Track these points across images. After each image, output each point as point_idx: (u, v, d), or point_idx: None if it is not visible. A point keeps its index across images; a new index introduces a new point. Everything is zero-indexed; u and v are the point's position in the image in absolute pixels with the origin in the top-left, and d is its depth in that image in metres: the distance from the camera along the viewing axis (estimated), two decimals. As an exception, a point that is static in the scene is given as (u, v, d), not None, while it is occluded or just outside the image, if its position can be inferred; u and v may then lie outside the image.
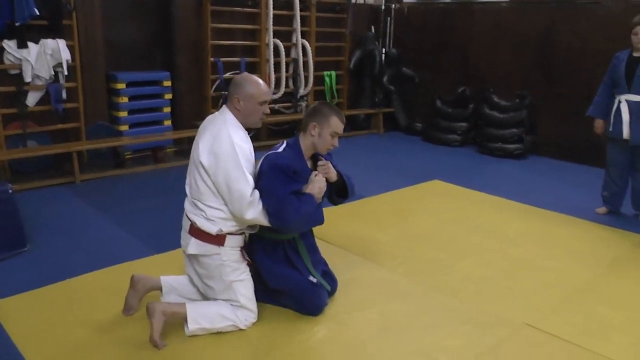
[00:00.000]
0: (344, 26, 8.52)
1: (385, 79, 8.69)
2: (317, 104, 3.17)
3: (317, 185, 3.05)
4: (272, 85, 7.62)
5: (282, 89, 7.77)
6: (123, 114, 6.30)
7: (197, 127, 6.80)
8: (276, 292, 3.16)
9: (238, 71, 7.27)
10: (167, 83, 6.57)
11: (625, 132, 4.84)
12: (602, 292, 3.62)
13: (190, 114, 7.03)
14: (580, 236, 4.60)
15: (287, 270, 3.08)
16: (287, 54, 7.83)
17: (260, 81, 2.95)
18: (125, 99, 6.27)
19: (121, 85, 6.22)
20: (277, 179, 2.90)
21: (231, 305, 2.95)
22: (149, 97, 6.49)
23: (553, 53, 7.33)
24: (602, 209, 5.27)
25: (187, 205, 2.97)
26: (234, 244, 2.93)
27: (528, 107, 7.47)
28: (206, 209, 2.86)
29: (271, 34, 7.46)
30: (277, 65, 7.66)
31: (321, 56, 8.27)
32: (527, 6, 7.53)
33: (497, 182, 6.16)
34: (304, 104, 8.13)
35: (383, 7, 8.95)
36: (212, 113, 7.16)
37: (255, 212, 2.83)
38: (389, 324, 3.10)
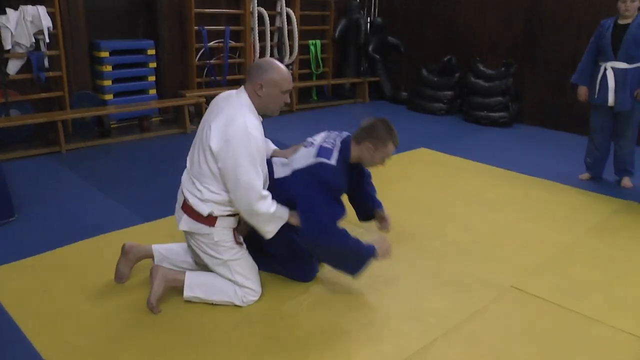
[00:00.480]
0: (329, -6, 8.48)
1: (370, 47, 8.67)
2: (378, 121, 3.06)
3: (384, 248, 3.02)
4: (257, 54, 7.58)
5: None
6: (107, 82, 6.25)
7: (182, 96, 6.80)
8: (267, 257, 3.18)
9: (222, 40, 7.23)
10: (151, 52, 6.52)
11: (611, 99, 4.91)
12: (583, 254, 3.74)
13: (175, 83, 7.03)
14: (563, 201, 4.70)
15: (288, 232, 2.97)
16: (272, 23, 7.78)
17: (285, 69, 2.82)
18: (109, 68, 6.22)
19: (105, 54, 6.17)
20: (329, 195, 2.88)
21: (230, 281, 2.94)
22: (133, 66, 6.44)
23: (539, 22, 7.36)
24: (585, 175, 5.37)
25: (184, 180, 2.91)
26: (226, 224, 2.86)
27: (514, 76, 7.52)
28: (203, 190, 2.79)
29: (255, 2, 7.40)
30: (261, 34, 7.63)
31: (306, 25, 8.23)
32: (513, -26, 7.54)
33: (482, 150, 6.24)
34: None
35: (368, -25, 8.91)
36: (197, 82, 7.11)
37: (265, 207, 2.74)
38: (377, 288, 3.17)
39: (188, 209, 2.85)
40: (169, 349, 2.58)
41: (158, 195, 4.52)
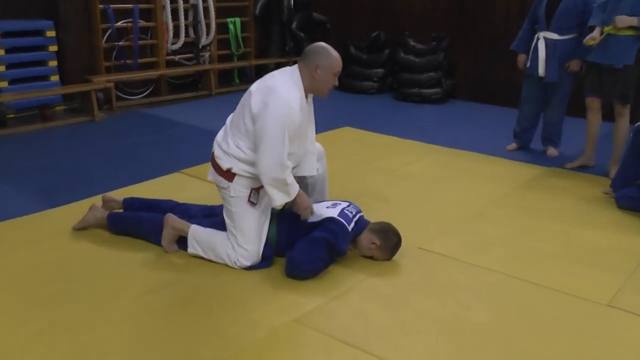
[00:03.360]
0: (247, -33, 8.79)
1: (294, 25, 9.01)
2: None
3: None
4: (170, 35, 7.86)
5: (182, 39, 8.01)
6: (1, 68, 6.40)
7: (89, 81, 6.96)
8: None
9: (131, 19, 7.48)
10: (51, 33, 6.71)
11: (541, 70, 5.45)
12: (493, 215, 4.27)
13: (81, 68, 7.21)
14: (485, 170, 5.23)
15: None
16: (186, 0, 8.03)
17: (337, 54, 3.37)
18: (2, 52, 6.38)
19: (-4, 36, 6.32)
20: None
21: (228, 240, 3.41)
22: (30, 49, 6.62)
23: (467, -8, 7.91)
24: (512, 146, 5.94)
25: (219, 134, 3.49)
26: (243, 183, 3.36)
27: (445, 50, 8.03)
28: (230, 144, 3.34)
29: (166, -24, 7.67)
30: (174, 12, 7.87)
31: (223, 1, 8.52)
32: (440, -58, 8.09)
33: (412, 127, 6.72)
34: (207, 54, 8.42)
35: (290, -53, 9.27)
36: (105, 66, 7.29)
37: (281, 174, 3.22)
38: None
39: (213, 161, 3.45)
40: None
41: (62, 183, 4.80)
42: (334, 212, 3.46)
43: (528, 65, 5.57)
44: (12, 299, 3.09)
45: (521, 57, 5.70)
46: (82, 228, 3.85)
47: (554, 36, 5.36)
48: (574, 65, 5.35)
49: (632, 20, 4.64)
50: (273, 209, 3.56)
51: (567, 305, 3.13)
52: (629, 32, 4.70)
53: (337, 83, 3.42)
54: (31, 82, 6.64)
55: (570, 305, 3.12)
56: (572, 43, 5.33)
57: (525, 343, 2.80)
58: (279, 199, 3.33)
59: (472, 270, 3.46)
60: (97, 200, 4.09)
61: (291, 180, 3.31)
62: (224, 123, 3.56)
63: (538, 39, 5.46)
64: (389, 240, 3.51)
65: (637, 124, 4.48)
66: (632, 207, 4.34)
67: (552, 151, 5.76)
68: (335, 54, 3.36)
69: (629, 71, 4.81)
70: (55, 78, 6.83)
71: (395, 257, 3.56)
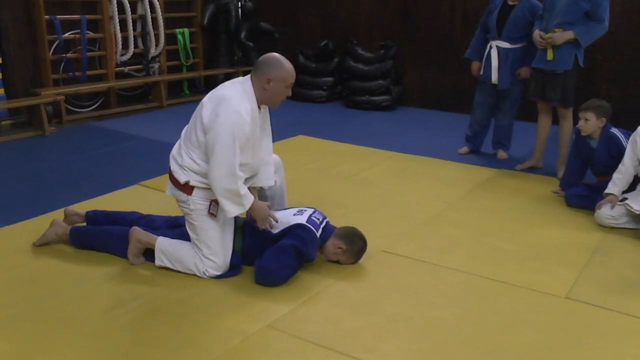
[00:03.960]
0: (194, -22, 8.82)
1: (242, 35, 9.05)
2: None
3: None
4: (119, 46, 7.79)
5: (131, 50, 7.96)
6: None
7: (36, 94, 6.82)
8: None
9: (79, 30, 7.38)
10: (-7, 45, 6.56)
11: (494, 77, 5.66)
12: (452, 217, 4.38)
13: (27, 80, 7.08)
14: (439, 174, 5.37)
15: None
16: (134, 10, 7.99)
17: (291, 65, 3.38)
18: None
19: None
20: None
21: (195, 253, 3.41)
22: (-29, 62, 6.46)
23: (413, 2, 8.09)
24: (463, 149, 6.11)
25: (174, 148, 3.49)
26: (202, 195, 3.36)
27: (393, 58, 8.20)
28: (184, 156, 3.35)
29: (113, -13, 7.61)
30: (122, 23, 7.83)
31: (171, 12, 8.52)
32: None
33: (363, 134, 6.84)
34: (156, 65, 8.37)
35: (236, -43, 9.31)
36: (53, 79, 7.17)
37: (233, 184, 3.22)
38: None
39: (170, 175, 3.45)
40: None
41: (19, 199, 4.70)
42: (302, 219, 3.49)
43: (482, 72, 5.76)
44: (-29, 320, 3.01)
45: (475, 65, 5.89)
46: (43, 244, 3.79)
47: (506, 45, 5.57)
48: (524, 72, 5.56)
49: (568, 35, 4.90)
50: (238, 219, 3.58)
51: (528, 299, 3.26)
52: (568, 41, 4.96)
53: (290, 94, 3.45)
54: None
55: (531, 300, 3.26)
56: (522, 51, 5.55)
57: (492, 337, 2.90)
58: (232, 210, 3.32)
59: (436, 271, 3.56)
60: (57, 215, 4.04)
61: (245, 191, 3.31)
62: (176, 135, 3.57)
63: (491, 47, 5.66)
64: (355, 245, 3.57)
65: (576, 126, 4.68)
66: (581, 205, 4.54)
67: (502, 154, 5.95)
68: (288, 65, 3.36)
69: (569, 75, 5.05)
70: (-1, 91, 6.69)
71: (360, 261, 3.63)
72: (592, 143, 4.56)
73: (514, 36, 5.52)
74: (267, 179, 3.71)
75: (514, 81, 5.64)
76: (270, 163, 3.72)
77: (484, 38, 5.77)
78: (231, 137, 3.19)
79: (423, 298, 3.25)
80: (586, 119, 4.47)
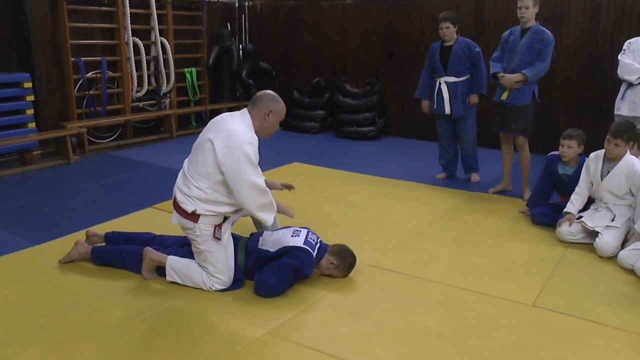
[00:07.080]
0: (200, 23, 8.87)
1: (244, 73, 9.13)
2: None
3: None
4: (135, 84, 7.83)
5: (145, 87, 8.00)
6: (-19, 118, 6.24)
7: (63, 127, 6.84)
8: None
9: (100, 70, 7.42)
10: (28, 84, 6.57)
11: (447, 109, 5.77)
12: (432, 235, 4.39)
13: (55, 115, 7.09)
14: (420, 196, 5.38)
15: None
16: (147, 52, 8.05)
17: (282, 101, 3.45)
18: (-18, 103, 6.22)
19: (-22, 89, 6.17)
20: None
21: (202, 270, 3.40)
22: (9, 100, 6.46)
23: (394, 43, 8.21)
24: (441, 175, 6.13)
25: (178, 179, 3.42)
26: (208, 222, 3.33)
27: (378, 93, 8.28)
28: (192, 187, 3.29)
29: (130, 32, 7.66)
30: (138, 63, 7.87)
31: (180, 53, 8.58)
32: (369, 3, 8.36)
33: (352, 160, 6.85)
34: (167, 100, 8.41)
35: (237, 5, 9.41)
36: (77, 113, 7.18)
37: (268, 199, 3.31)
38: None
39: (176, 206, 3.37)
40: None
41: (48, 221, 4.68)
42: (299, 241, 3.48)
43: (435, 106, 5.85)
44: (5, 330, 2.99)
45: (425, 103, 6.00)
46: (68, 262, 3.78)
47: (453, 79, 5.71)
48: (473, 99, 5.74)
49: (516, 77, 5.05)
50: (241, 238, 3.60)
51: (500, 307, 3.27)
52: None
53: (278, 128, 3.50)
54: (10, 130, 6.48)
55: (502, 307, 3.27)
56: (468, 82, 5.75)
57: (470, 341, 2.92)
58: (270, 219, 3.39)
59: (419, 283, 3.57)
60: (79, 235, 4.04)
61: (271, 196, 3.37)
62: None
63: (440, 83, 5.77)
64: (346, 260, 3.58)
65: (550, 154, 4.72)
66: (544, 223, 4.56)
67: (475, 177, 5.97)
68: (281, 101, 3.44)
69: (528, 109, 5.15)
70: (32, 125, 6.68)
71: (351, 274, 3.64)
72: (567, 170, 4.58)
73: (458, 70, 5.68)
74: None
75: (467, 109, 5.77)
76: None
77: (431, 78, 5.90)
78: (250, 162, 3.21)
79: (407, 307, 3.26)
80: (569, 147, 4.47)
